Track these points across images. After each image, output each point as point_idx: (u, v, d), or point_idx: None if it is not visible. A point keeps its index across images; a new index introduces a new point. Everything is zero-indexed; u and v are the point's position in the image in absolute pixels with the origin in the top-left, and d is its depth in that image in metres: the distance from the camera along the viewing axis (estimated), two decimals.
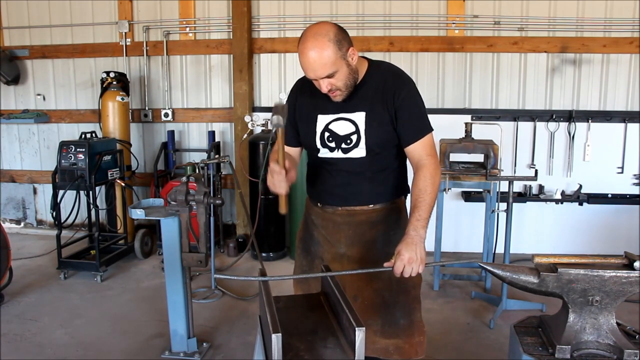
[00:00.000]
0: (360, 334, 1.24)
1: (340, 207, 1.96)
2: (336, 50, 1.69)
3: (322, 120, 1.89)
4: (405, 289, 1.95)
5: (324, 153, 1.91)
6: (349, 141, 1.86)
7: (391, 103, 1.82)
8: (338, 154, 1.89)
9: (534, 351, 1.53)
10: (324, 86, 1.75)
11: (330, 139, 1.88)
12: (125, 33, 4.93)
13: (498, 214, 3.53)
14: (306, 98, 1.94)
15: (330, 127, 1.88)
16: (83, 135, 4.16)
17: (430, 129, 1.86)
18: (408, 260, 1.63)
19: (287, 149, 2.02)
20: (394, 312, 1.93)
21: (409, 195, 1.86)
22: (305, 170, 2.09)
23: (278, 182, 1.70)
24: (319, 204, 2.02)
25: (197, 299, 3.57)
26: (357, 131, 1.84)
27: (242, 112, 4.70)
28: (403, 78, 1.87)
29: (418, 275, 1.98)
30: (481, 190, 4.10)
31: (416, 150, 1.83)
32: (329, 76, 1.72)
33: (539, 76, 4.51)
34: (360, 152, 1.86)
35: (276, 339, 1.21)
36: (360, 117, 1.84)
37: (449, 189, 3.60)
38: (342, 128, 1.86)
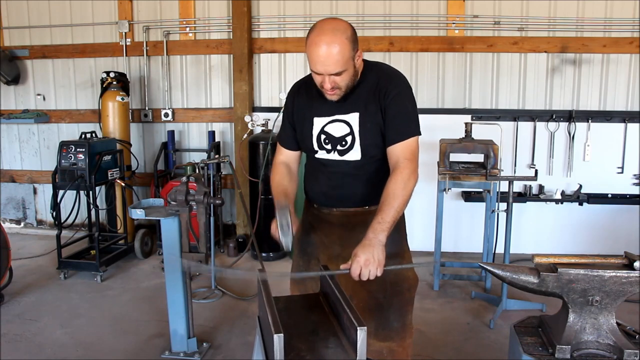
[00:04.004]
0: (361, 334, 1.24)
1: (335, 208, 1.95)
2: (350, 50, 1.67)
3: (318, 122, 1.89)
4: (400, 291, 1.93)
5: (321, 154, 1.91)
6: (344, 142, 1.85)
7: (383, 102, 1.80)
8: (334, 156, 1.88)
9: (534, 351, 1.53)
10: (328, 83, 1.72)
11: (327, 140, 1.88)
12: (125, 33, 4.93)
13: (498, 214, 3.53)
14: (303, 101, 1.94)
15: (326, 129, 1.88)
16: (83, 135, 4.16)
17: (416, 134, 1.81)
18: (364, 263, 1.59)
19: (287, 153, 2.02)
20: (388, 315, 1.92)
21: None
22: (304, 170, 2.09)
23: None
24: (315, 205, 2.02)
25: (197, 299, 3.57)
26: (352, 132, 1.84)
27: (242, 112, 4.70)
28: (396, 79, 1.85)
29: (414, 277, 1.98)
30: (481, 190, 4.10)
31: (395, 152, 1.79)
32: (337, 74, 1.70)
33: (539, 76, 4.51)
34: (355, 154, 1.85)
35: (278, 340, 1.21)
36: (354, 118, 1.83)
37: (449, 189, 3.61)
38: (337, 130, 1.86)
